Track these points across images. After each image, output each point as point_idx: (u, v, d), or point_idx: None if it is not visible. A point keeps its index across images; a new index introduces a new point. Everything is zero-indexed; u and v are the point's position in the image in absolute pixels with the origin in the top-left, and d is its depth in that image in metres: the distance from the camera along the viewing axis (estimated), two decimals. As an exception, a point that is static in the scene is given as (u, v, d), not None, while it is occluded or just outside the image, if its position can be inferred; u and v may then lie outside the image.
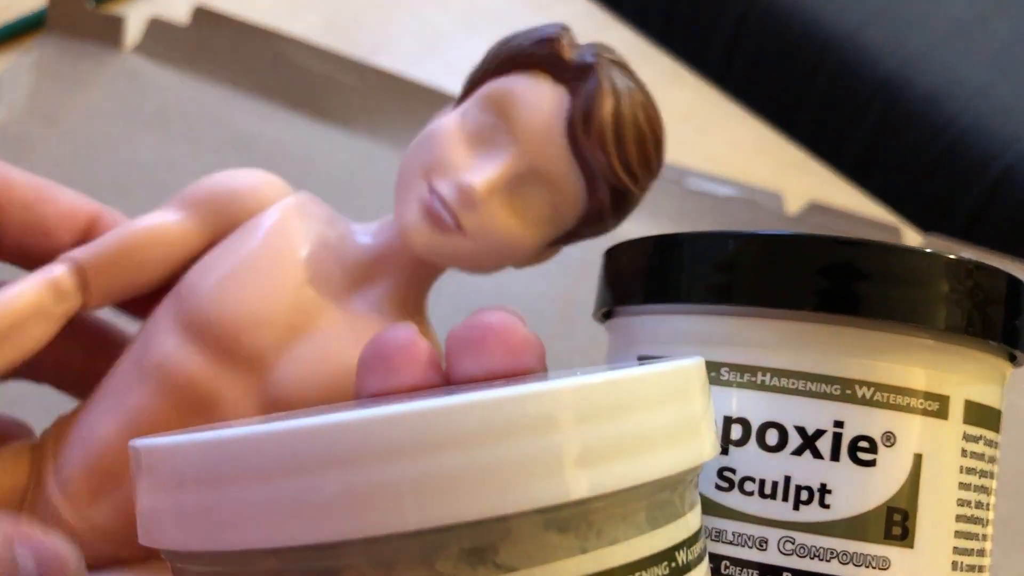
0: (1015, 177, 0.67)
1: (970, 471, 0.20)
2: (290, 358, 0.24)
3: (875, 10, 0.75)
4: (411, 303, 0.26)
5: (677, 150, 0.49)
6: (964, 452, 0.20)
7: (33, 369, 0.26)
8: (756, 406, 0.20)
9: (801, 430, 0.20)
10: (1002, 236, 0.68)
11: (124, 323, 0.29)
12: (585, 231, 0.25)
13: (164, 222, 0.26)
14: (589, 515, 0.15)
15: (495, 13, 0.54)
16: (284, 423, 0.14)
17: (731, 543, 0.20)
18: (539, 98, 0.23)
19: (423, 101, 0.46)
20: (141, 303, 0.26)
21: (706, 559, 0.17)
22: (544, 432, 0.14)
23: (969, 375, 0.20)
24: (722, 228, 0.44)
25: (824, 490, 0.19)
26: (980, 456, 0.20)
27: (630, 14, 0.63)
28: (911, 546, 0.19)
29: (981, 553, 0.21)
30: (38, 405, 0.28)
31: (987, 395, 0.21)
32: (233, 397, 0.23)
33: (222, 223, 0.26)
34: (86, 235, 0.26)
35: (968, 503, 0.20)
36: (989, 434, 0.21)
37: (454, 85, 0.49)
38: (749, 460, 0.20)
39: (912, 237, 0.47)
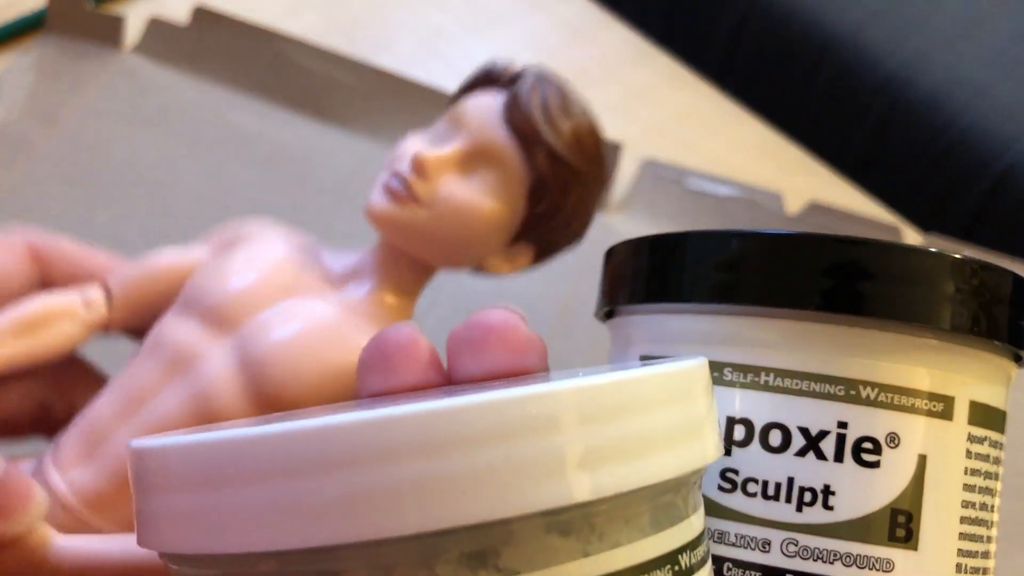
0: (1015, 177, 0.67)
1: (975, 472, 0.20)
2: (262, 317, 0.26)
3: (875, 10, 0.75)
4: (393, 308, 0.28)
5: (677, 150, 0.49)
6: (969, 453, 0.20)
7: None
8: (759, 406, 0.20)
9: (805, 431, 0.19)
10: (1002, 236, 0.68)
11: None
12: (545, 223, 0.27)
13: (184, 256, 0.29)
14: (592, 518, 0.15)
15: (495, 13, 0.54)
16: (283, 425, 0.14)
17: (734, 545, 0.20)
18: (482, 99, 0.28)
19: (423, 101, 0.46)
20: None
21: (709, 562, 0.17)
22: (546, 434, 0.14)
23: (974, 376, 0.20)
24: (722, 228, 0.44)
25: (828, 491, 0.19)
26: (985, 457, 0.20)
27: (630, 14, 0.63)
28: (915, 548, 0.19)
29: (986, 555, 0.21)
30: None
31: (992, 396, 0.20)
32: (211, 354, 0.26)
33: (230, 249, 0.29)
34: None
35: (973, 504, 0.20)
36: (994, 435, 0.21)
37: (454, 85, 0.49)
38: (752, 461, 0.20)
39: (912, 237, 0.47)
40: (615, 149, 0.46)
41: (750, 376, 0.20)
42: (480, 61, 0.51)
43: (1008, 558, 0.36)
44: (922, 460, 0.19)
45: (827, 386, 0.19)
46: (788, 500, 0.19)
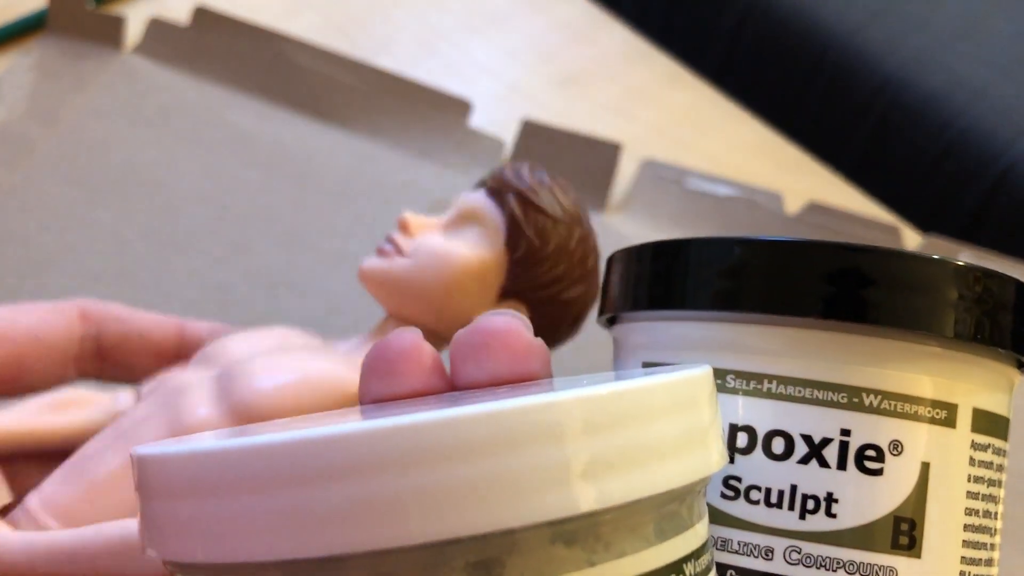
0: (1015, 177, 0.67)
1: (978, 480, 0.20)
2: (258, 360, 0.27)
3: (875, 11, 0.75)
4: None
5: (677, 150, 0.49)
6: (972, 461, 0.20)
7: None
8: (762, 414, 0.20)
9: (808, 438, 0.19)
10: (1002, 236, 0.68)
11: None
12: (528, 272, 0.28)
13: None
14: (597, 528, 0.15)
15: (495, 14, 0.54)
16: (288, 434, 0.14)
17: (737, 552, 0.20)
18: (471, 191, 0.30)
19: (423, 101, 0.46)
20: None
21: (714, 570, 0.17)
22: (551, 443, 0.14)
23: (977, 383, 0.20)
24: (722, 228, 0.44)
25: (831, 499, 0.19)
26: (988, 464, 0.20)
27: (630, 14, 0.63)
28: (918, 556, 0.19)
29: (989, 563, 0.21)
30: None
31: (995, 403, 0.20)
32: (195, 385, 0.26)
33: None
34: (179, 337, 0.30)
35: (976, 512, 0.20)
36: (997, 442, 0.21)
37: (454, 85, 0.49)
38: (755, 469, 0.20)
39: (911, 237, 0.47)
40: (615, 149, 0.46)
41: (753, 383, 0.20)
42: (480, 61, 0.51)
43: (1007, 560, 0.36)
44: (925, 468, 0.19)
45: (830, 393, 0.19)
46: (791, 508, 0.19)
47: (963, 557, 0.20)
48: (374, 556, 0.14)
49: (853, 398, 0.19)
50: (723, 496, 0.20)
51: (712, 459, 0.16)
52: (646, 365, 0.22)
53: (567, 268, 0.29)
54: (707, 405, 0.17)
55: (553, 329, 0.30)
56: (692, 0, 0.82)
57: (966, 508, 0.20)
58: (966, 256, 0.45)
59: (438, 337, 0.29)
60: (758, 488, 0.20)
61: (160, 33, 0.46)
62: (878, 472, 0.19)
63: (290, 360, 0.26)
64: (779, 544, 0.19)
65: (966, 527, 0.20)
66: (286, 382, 0.25)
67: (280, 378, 0.25)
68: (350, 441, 0.13)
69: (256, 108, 0.45)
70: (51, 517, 0.25)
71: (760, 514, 0.19)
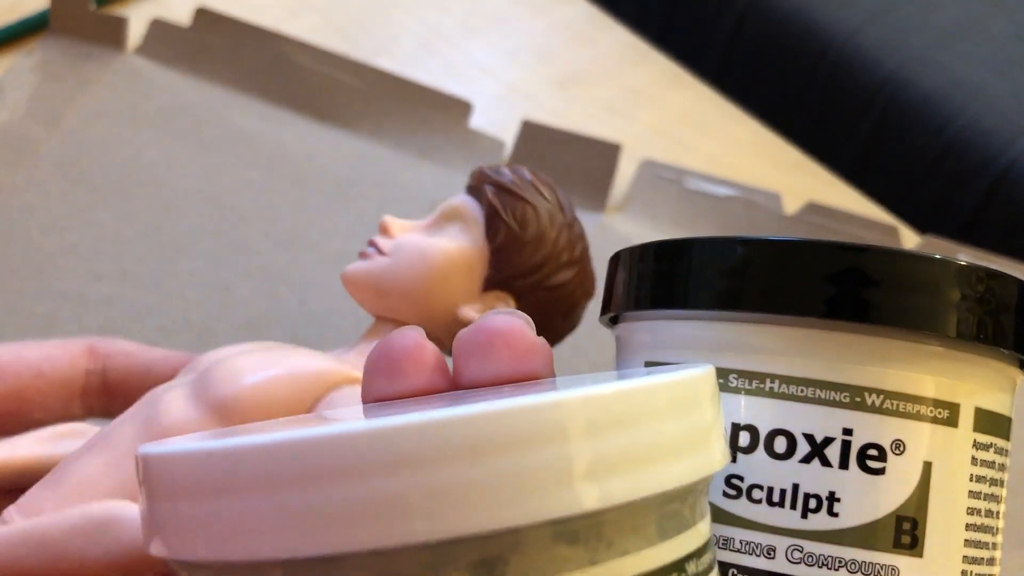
0: (1013, 178, 0.67)
1: (980, 479, 0.20)
2: (236, 359, 0.26)
3: (873, 11, 0.75)
4: None
5: (676, 151, 0.49)
6: (974, 460, 0.20)
7: None
8: (764, 413, 0.20)
9: (810, 437, 0.19)
10: (1000, 237, 0.68)
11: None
12: (510, 259, 0.28)
13: None
14: (599, 526, 0.15)
15: (495, 14, 0.54)
16: (291, 433, 0.14)
17: (739, 551, 0.20)
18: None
19: (423, 102, 0.46)
20: None
21: (716, 569, 0.17)
22: (554, 443, 0.14)
23: (979, 383, 0.20)
24: (721, 228, 0.44)
25: (833, 498, 0.19)
26: (990, 464, 0.20)
27: (629, 15, 0.64)
28: (920, 555, 0.19)
29: (991, 562, 0.21)
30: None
31: (997, 403, 0.20)
32: (173, 386, 0.26)
33: None
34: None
35: (978, 511, 0.20)
36: (999, 442, 0.21)
37: (454, 86, 0.49)
38: (757, 468, 0.20)
39: (910, 237, 0.47)
40: (614, 149, 0.46)
41: (755, 383, 0.20)
42: (480, 62, 0.51)
43: (1007, 557, 0.36)
44: (927, 467, 0.19)
45: (832, 393, 0.19)
46: (793, 507, 0.19)
47: (965, 556, 0.20)
48: (377, 555, 0.14)
49: (855, 397, 0.19)
50: (725, 495, 0.20)
51: (714, 458, 0.16)
52: (649, 364, 0.22)
53: (550, 253, 0.29)
54: (709, 404, 0.17)
55: (545, 320, 0.29)
56: (691, 1, 0.82)
57: (968, 507, 0.20)
58: (964, 256, 0.45)
59: (427, 336, 0.29)
60: (760, 487, 0.20)
61: (162, 34, 0.46)
62: (880, 471, 0.19)
63: (271, 356, 0.26)
64: (781, 543, 0.19)
65: (968, 526, 0.20)
66: (266, 377, 0.25)
67: (260, 374, 0.25)
68: (353, 440, 0.13)
69: (257, 109, 0.45)
70: (26, 518, 0.24)
71: (762, 513, 0.20)
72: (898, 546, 0.19)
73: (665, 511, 0.16)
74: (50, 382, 0.27)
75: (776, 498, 0.20)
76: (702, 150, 0.49)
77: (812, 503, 0.19)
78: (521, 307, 0.29)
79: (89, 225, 0.39)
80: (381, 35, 0.51)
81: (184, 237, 0.40)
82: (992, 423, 0.20)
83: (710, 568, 0.17)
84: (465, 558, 0.14)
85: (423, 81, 0.47)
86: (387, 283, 0.28)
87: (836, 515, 0.19)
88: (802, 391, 0.20)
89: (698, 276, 0.21)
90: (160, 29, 0.46)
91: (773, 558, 0.19)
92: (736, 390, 0.20)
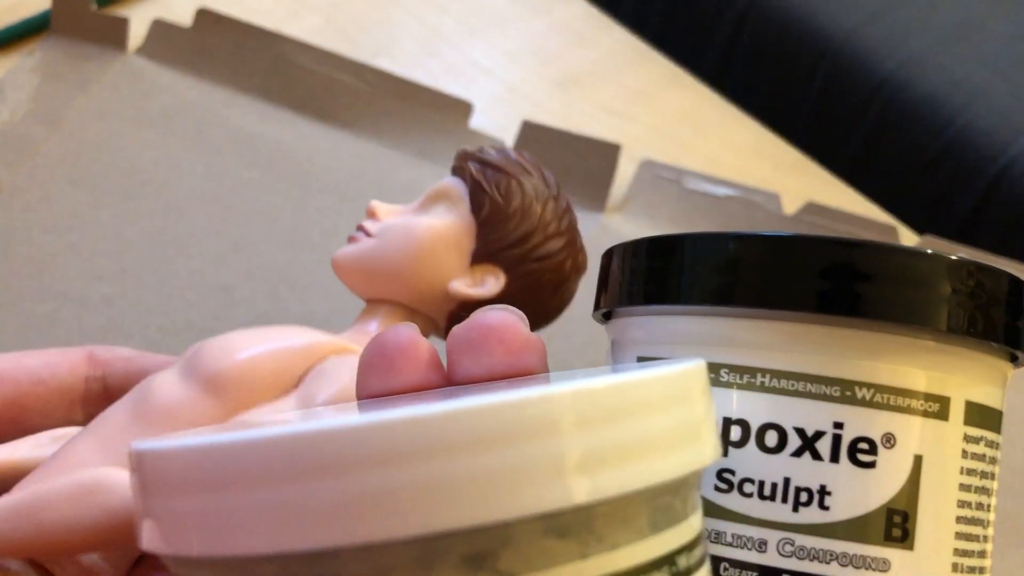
0: (1011, 179, 0.67)
1: (971, 472, 0.20)
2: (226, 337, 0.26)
3: (873, 12, 0.75)
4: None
5: (675, 151, 0.49)
6: (965, 453, 0.20)
7: None
8: (756, 407, 0.20)
9: (801, 431, 0.20)
10: (998, 237, 0.68)
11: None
12: (496, 231, 0.28)
13: None
14: (590, 520, 0.15)
15: (495, 15, 0.54)
16: (282, 428, 0.14)
17: (730, 545, 0.20)
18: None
19: (423, 102, 0.46)
20: None
21: (707, 563, 0.17)
22: (545, 436, 0.14)
23: (970, 376, 0.20)
24: (720, 228, 0.44)
25: (824, 492, 0.19)
26: (981, 457, 0.20)
27: (629, 16, 0.64)
28: (911, 548, 0.19)
29: (982, 555, 0.21)
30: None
31: (988, 396, 0.21)
32: (165, 373, 0.25)
33: None
34: None
35: (969, 504, 0.20)
36: (990, 435, 0.21)
37: (454, 86, 0.49)
38: (748, 461, 0.20)
39: (909, 238, 0.47)
40: (614, 149, 0.46)
41: (746, 377, 0.20)
42: (480, 63, 0.51)
43: (1004, 557, 0.36)
44: (918, 460, 0.19)
45: (823, 387, 0.20)
46: (784, 500, 0.19)
47: (956, 549, 0.20)
48: (368, 549, 0.14)
49: (846, 391, 0.19)
50: (717, 489, 0.20)
51: (706, 452, 0.17)
52: (641, 360, 0.22)
53: (536, 224, 0.28)
54: (701, 399, 0.17)
55: (536, 294, 0.29)
56: (691, 1, 0.82)
57: (959, 500, 0.20)
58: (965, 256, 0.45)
59: (418, 316, 0.29)
60: (751, 481, 0.20)
61: (163, 34, 0.46)
62: (871, 465, 0.19)
63: (261, 332, 0.26)
64: (772, 536, 0.19)
65: (959, 519, 0.20)
66: (256, 352, 0.25)
67: (250, 349, 0.25)
68: (345, 435, 0.14)
69: (258, 109, 0.45)
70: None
71: (753, 507, 0.20)
72: (889, 539, 0.19)
73: (656, 505, 0.16)
74: (50, 389, 0.27)
75: (767, 492, 0.20)
76: (702, 150, 0.49)
77: (803, 496, 0.19)
78: (510, 280, 0.28)
79: (89, 225, 0.40)
80: (381, 35, 0.51)
81: (184, 237, 0.40)
82: (983, 416, 0.20)
83: (701, 562, 0.17)
84: (456, 552, 0.14)
85: (423, 81, 0.47)
86: (375, 264, 0.28)
87: (827, 508, 0.19)
88: (793, 385, 0.20)
89: (690, 272, 0.21)
90: (161, 30, 0.46)
91: (764, 551, 0.19)
92: (728, 384, 0.20)
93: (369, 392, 0.21)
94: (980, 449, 0.20)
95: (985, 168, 0.68)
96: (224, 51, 0.46)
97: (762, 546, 0.19)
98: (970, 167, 0.69)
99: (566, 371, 0.22)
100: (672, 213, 0.45)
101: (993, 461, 0.21)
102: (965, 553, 0.20)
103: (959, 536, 0.20)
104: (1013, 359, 0.21)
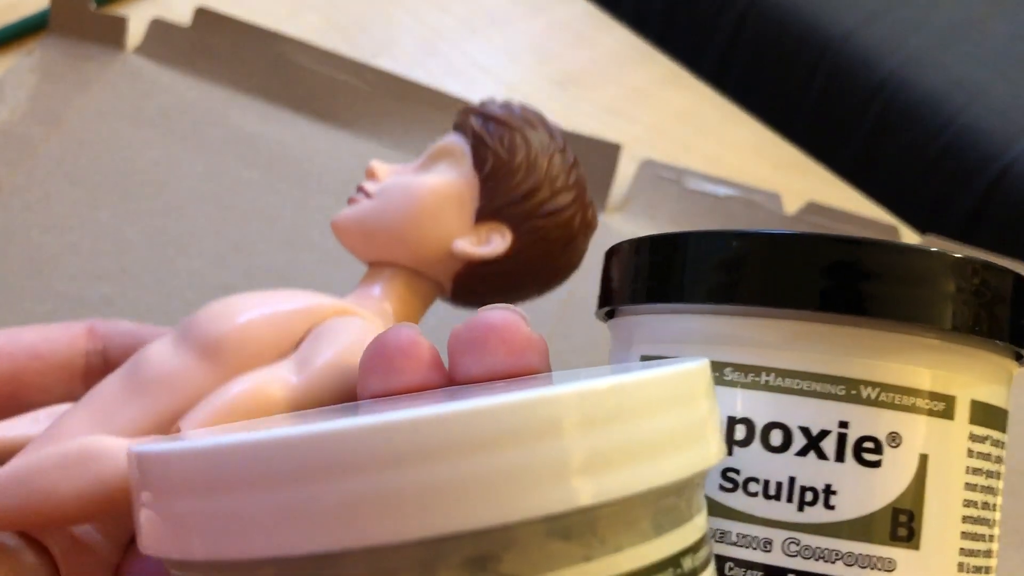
0: (1012, 178, 0.67)
1: (976, 471, 0.20)
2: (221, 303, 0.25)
3: (873, 11, 0.75)
4: (380, 310, 0.27)
5: (676, 150, 0.49)
6: (970, 452, 0.20)
7: None
8: (760, 406, 0.20)
9: (805, 431, 0.19)
10: (999, 237, 0.68)
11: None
12: (501, 187, 0.27)
13: (259, 382, 0.25)
14: (594, 522, 0.15)
15: (495, 14, 0.54)
16: (284, 430, 0.14)
17: (735, 544, 0.20)
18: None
19: (423, 102, 0.46)
20: None
21: (712, 564, 0.17)
22: (548, 438, 0.14)
23: (975, 375, 0.20)
24: (721, 228, 0.44)
25: (829, 491, 0.19)
26: (986, 456, 0.20)
27: (629, 15, 0.64)
28: (917, 547, 0.19)
29: (988, 554, 0.21)
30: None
31: (993, 395, 0.20)
32: (159, 341, 0.25)
33: None
34: None
35: (975, 504, 0.20)
36: (995, 434, 0.21)
37: (455, 86, 0.49)
38: (753, 461, 0.20)
39: (910, 237, 0.47)
40: (615, 149, 0.46)
41: (751, 376, 0.20)
42: (480, 62, 0.51)
43: (1004, 558, 0.36)
44: (923, 460, 0.19)
45: (828, 386, 0.19)
46: (789, 500, 0.19)
47: (962, 548, 0.20)
48: (370, 552, 0.14)
49: (851, 390, 0.19)
50: (721, 488, 0.20)
51: (710, 452, 0.16)
52: (644, 358, 0.22)
53: (542, 178, 0.27)
54: (705, 398, 0.17)
55: (544, 252, 0.28)
56: (691, 1, 0.82)
57: (964, 500, 0.20)
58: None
59: (422, 278, 0.28)
60: (756, 480, 0.20)
61: (162, 34, 0.46)
62: (876, 464, 0.19)
63: (257, 296, 0.25)
64: (777, 536, 0.19)
65: (965, 519, 0.20)
66: (253, 316, 0.24)
67: (247, 313, 0.24)
68: (346, 437, 0.13)
69: (257, 109, 0.45)
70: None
71: (758, 506, 0.19)
72: (895, 539, 0.19)
73: (661, 506, 0.16)
74: (48, 364, 0.26)
75: (772, 491, 0.19)
76: (702, 150, 0.49)
77: (808, 496, 0.19)
78: (517, 238, 0.27)
79: (89, 225, 0.39)
80: (381, 35, 0.51)
81: (184, 237, 0.40)
82: (988, 415, 0.20)
83: (707, 563, 0.17)
84: (458, 554, 0.14)
85: (423, 81, 0.47)
86: (375, 224, 0.27)
87: (832, 508, 0.19)
88: (798, 384, 0.20)
89: (693, 270, 0.21)
90: (160, 29, 0.46)
91: (769, 551, 0.19)
92: (732, 383, 0.20)
93: (370, 393, 0.21)
94: (986, 448, 0.20)
95: (986, 168, 0.68)
96: (223, 50, 0.46)
97: (767, 545, 0.19)
98: (971, 167, 0.69)
99: (568, 371, 0.21)
100: (672, 213, 0.45)
101: (999, 460, 0.21)
102: (971, 553, 0.20)
103: (965, 536, 0.20)
104: (1018, 357, 0.21)
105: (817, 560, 0.19)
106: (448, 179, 0.27)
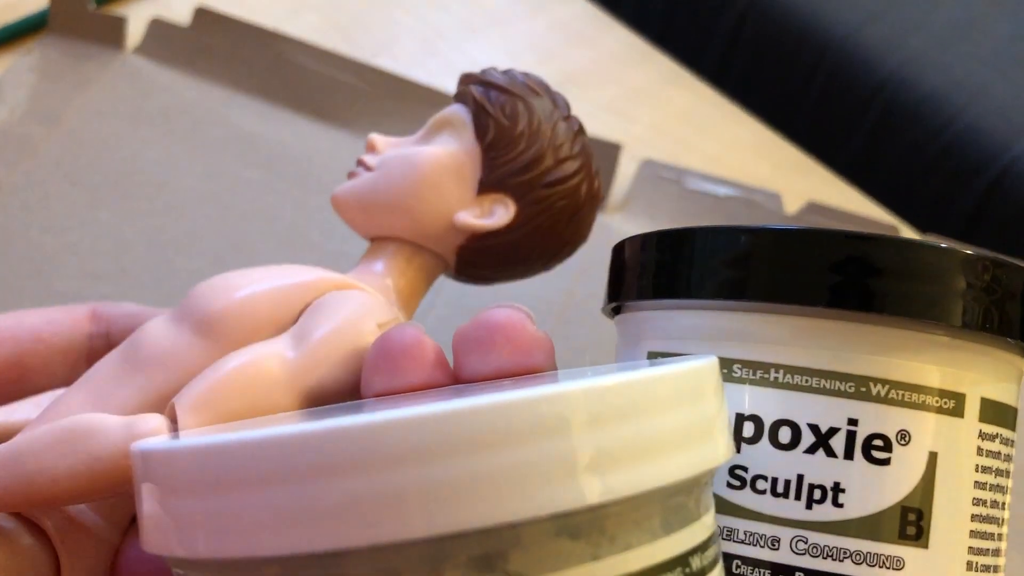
0: (1013, 178, 0.67)
1: (986, 470, 0.20)
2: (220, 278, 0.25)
3: (874, 11, 0.75)
4: (381, 286, 0.27)
5: (676, 150, 0.49)
6: (980, 451, 0.20)
7: None
8: (769, 403, 0.20)
9: (814, 428, 0.19)
10: (1000, 237, 0.68)
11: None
12: (503, 157, 0.26)
13: (258, 355, 0.24)
14: (602, 521, 0.14)
15: (495, 14, 0.54)
16: (289, 427, 0.14)
17: (743, 542, 0.20)
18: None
19: (423, 102, 0.46)
20: None
21: (720, 563, 0.17)
22: (556, 436, 0.14)
23: (985, 373, 0.20)
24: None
25: (838, 489, 0.19)
26: (996, 454, 0.20)
27: (629, 14, 0.63)
28: (926, 546, 0.19)
29: (996, 553, 0.20)
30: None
31: (1003, 393, 0.20)
32: (156, 319, 0.24)
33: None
34: None
35: (984, 502, 0.20)
36: (1005, 432, 0.21)
37: (454, 86, 0.49)
38: (761, 458, 0.20)
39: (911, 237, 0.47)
40: (615, 149, 0.46)
41: (759, 373, 0.20)
42: (480, 62, 0.51)
43: (1007, 559, 0.36)
44: (933, 457, 0.19)
45: (837, 383, 0.19)
46: (798, 497, 0.19)
47: (970, 547, 0.20)
48: (375, 551, 0.14)
49: (860, 387, 0.19)
50: (729, 486, 0.20)
51: (719, 450, 0.16)
52: (651, 355, 0.22)
53: (545, 147, 0.27)
54: (713, 396, 0.17)
55: (548, 223, 0.27)
56: (691, 1, 0.82)
57: (974, 498, 0.20)
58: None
59: (425, 252, 0.27)
60: (764, 478, 0.20)
61: (161, 33, 0.46)
62: (885, 462, 0.19)
63: (255, 272, 0.24)
64: (785, 534, 0.19)
65: (973, 517, 0.20)
66: (251, 291, 0.24)
67: (246, 289, 0.24)
68: (351, 435, 0.13)
69: (257, 108, 0.45)
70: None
71: (766, 504, 0.19)
72: (903, 537, 0.19)
73: (669, 504, 0.16)
74: (52, 348, 0.26)
75: (780, 489, 0.19)
76: (702, 150, 0.49)
77: (817, 494, 0.19)
78: (520, 209, 0.26)
79: (89, 225, 0.39)
80: (381, 35, 0.51)
81: (184, 237, 0.40)
82: (998, 413, 0.20)
83: (715, 562, 0.17)
84: (465, 553, 0.14)
85: (423, 81, 0.47)
86: (376, 198, 0.26)
87: (841, 506, 0.19)
88: (807, 381, 0.20)
89: (701, 265, 0.21)
90: (159, 29, 0.46)
91: (777, 549, 0.19)
92: (740, 380, 0.20)
93: (374, 392, 0.21)
94: (995, 446, 0.20)
95: (986, 167, 0.68)
96: (223, 50, 0.46)
97: (775, 544, 0.19)
98: (971, 166, 0.69)
99: (574, 369, 0.21)
100: (673, 213, 0.45)
101: (1008, 459, 0.21)
102: (980, 551, 0.20)
103: (974, 534, 0.20)
104: (1028, 355, 0.21)
105: (825, 558, 0.19)
106: (449, 149, 0.27)
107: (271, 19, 0.49)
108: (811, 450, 0.19)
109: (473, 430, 0.13)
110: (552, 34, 0.54)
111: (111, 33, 0.45)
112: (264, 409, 0.22)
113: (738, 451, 0.20)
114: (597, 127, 0.49)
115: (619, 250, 0.24)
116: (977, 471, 0.20)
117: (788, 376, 0.20)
